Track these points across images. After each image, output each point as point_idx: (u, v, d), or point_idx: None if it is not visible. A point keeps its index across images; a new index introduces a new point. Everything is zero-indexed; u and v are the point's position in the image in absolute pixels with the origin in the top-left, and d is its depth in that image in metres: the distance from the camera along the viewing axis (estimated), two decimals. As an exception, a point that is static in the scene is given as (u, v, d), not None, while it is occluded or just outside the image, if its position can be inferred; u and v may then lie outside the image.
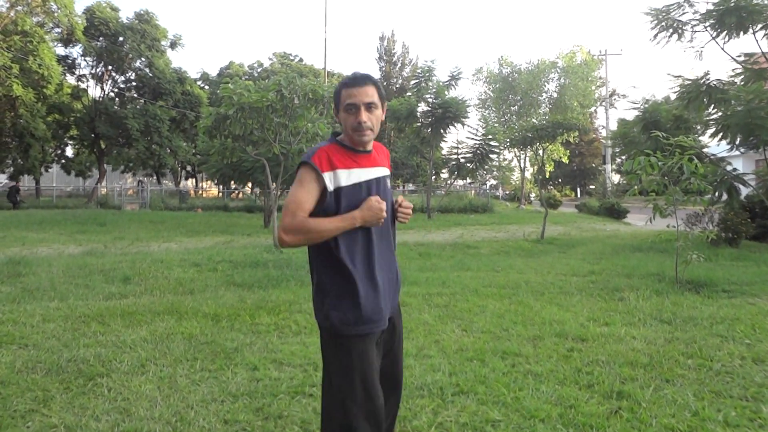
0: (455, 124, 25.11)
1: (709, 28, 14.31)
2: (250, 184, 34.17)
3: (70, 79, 38.29)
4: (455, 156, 27.91)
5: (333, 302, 2.48)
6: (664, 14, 14.67)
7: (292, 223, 2.41)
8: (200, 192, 52.29)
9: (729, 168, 15.33)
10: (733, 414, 3.67)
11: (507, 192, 53.99)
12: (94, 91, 38.53)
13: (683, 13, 14.63)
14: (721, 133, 14.19)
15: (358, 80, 2.53)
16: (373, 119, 2.53)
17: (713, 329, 5.76)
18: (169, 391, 4.11)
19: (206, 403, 3.90)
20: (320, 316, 2.53)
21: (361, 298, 2.46)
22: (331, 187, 2.45)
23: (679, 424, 3.52)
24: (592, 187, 61.34)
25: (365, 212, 2.45)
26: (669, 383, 4.24)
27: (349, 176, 2.50)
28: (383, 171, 2.67)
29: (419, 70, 28.20)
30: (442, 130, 25.28)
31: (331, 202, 2.46)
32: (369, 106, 2.51)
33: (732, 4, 13.18)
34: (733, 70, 14.77)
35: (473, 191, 43.22)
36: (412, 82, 28.38)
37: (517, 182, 46.77)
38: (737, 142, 14.11)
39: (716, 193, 14.71)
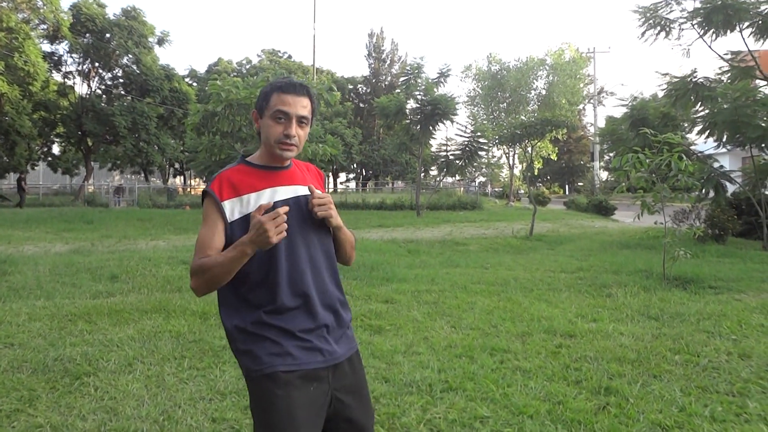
0: (444, 121, 25.15)
1: (696, 26, 14.38)
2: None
3: (57, 76, 38.12)
4: (444, 153, 27.96)
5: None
6: (651, 12, 14.73)
7: (192, 267, 2.07)
8: (188, 189, 52.11)
9: (716, 165, 15.44)
10: (720, 409, 3.70)
11: (495, 189, 54.13)
12: (81, 88, 38.47)
13: (671, 11, 14.72)
14: (708, 131, 14.31)
15: (296, 88, 2.18)
16: (301, 135, 2.18)
17: (700, 325, 5.80)
18: (156, 389, 4.09)
19: (194, 402, 3.88)
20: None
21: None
22: (230, 217, 2.09)
23: (667, 420, 3.53)
24: (580, 184, 61.76)
25: (251, 233, 1.95)
26: (656, 379, 4.26)
27: (261, 199, 2.12)
28: (303, 190, 2.21)
29: (408, 67, 28.20)
30: (431, 127, 25.31)
31: (234, 235, 2.07)
32: (301, 120, 2.17)
33: (719, 3, 13.25)
34: (720, 68, 14.88)
35: (462, 188, 43.28)
36: (401, 79, 28.39)
37: (506, 179, 46.85)
38: (724, 140, 14.21)
39: (703, 190, 14.81)
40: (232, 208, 2.10)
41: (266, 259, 2.08)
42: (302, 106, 2.17)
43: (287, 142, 2.14)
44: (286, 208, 1.98)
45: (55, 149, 41.42)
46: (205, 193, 2.15)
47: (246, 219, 2.06)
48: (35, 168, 41.92)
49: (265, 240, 1.93)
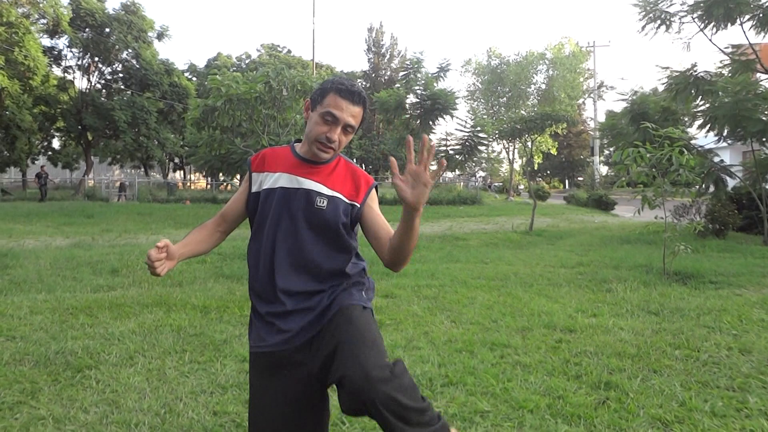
0: (444, 116, 25.09)
1: (696, 20, 14.36)
2: (238, 176, 34.04)
3: (57, 71, 37.98)
4: (444, 148, 27.92)
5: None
6: (652, 5, 14.72)
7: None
8: (188, 184, 52.07)
9: (716, 160, 15.44)
10: (720, 404, 3.70)
11: (495, 184, 54.10)
12: (81, 83, 38.28)
13: (671, 5, 14.71)
14: (709, 125, 14.30)
15: (354, 95, 2.21)
16: (342, 141, 2.24)
17: (700, 320, 5.80)
18: (157, 383, 4.10)
19: (195, 395, 3.88)
20: None
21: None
22: (254, 188, 2.31)
23: (667, 414, 3.54)
24: (580, 178, 61.69)
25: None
26: (656, 374, 4.27)
27: (271, 180, 2.28)
28: (318, 187, 2.26)
29: (408, 62, 28.18)
30: (431, 122, 25.26)
31: (251, 206, 2.32)
32: (347, 128, 2.23)
33: (720, -4, 13.23)
34: (720, 61, 14.88)
35: (461, 183, 43.26)
36: (401, 73, 28.36)
37: (506, 174, 46.83)
38: (724, 134, 14.20)
39: (704, 185, 14.82)
40: (256, 180, 2.31)
41: (258, 242, 2.30)
42: (353, 114, 2.21)
43: (326, 144, 2.20)
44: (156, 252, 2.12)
45: (56, 143, 41.39)
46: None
47: (258, 194, 2.29)
48: (35, 162, 41.90)
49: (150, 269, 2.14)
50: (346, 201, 2.29)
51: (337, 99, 2.19)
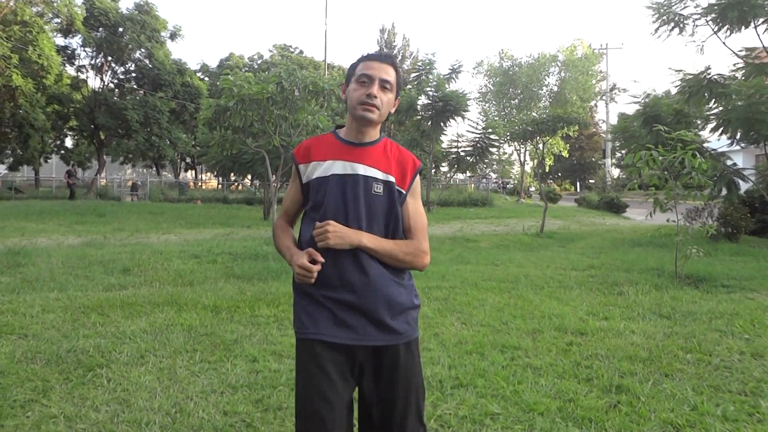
0: (455, 118, 25.05)
1: (710, 23, 14.27)
2: (249, 176, 34.15)
3: (70, 70, 38.21)
4: (455, 149, 27.88)
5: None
6: (665, 8, 14.64)
7: (273, 225, 2.45)
8: (200, 184, 52.24)
9: (729, 163, 15.34)
10: (732, 408, 3.68)
11: (503, 182, 53.99)
12: (94, 82, 38.47)
13: (685, 7, 14.61)
14: (722, 128, 14.19)
15: (381, 57, 2.27)
16: (383, 100, 2.22)
17: (712, 324, 5.77)
18: (168, 382, 4.11)
19: (206, 395, 3.90)
20: None
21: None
22: (304, 179, 2.30)
23: (678, 419, 3.52)
24: (591, 181, 61.39)
25: (293, 265, 2.18)
26: (668, 377, 4.25)
27: (321, 169, 2.26)
28: (372, 172, 2.24)
29: (420, 63, 28.14)
30: (442, 123, 25.23)
31: (305, 196, 2.34)
32: (384, 84, 2.22)
33: (734, -1, 13.15)
34: (734, 64, 14.74)
35: (472, 185, 43.20)
36: (413, 75, 28.27)
37: (517, 176, 46.75)
38: (738, 137, 14.11)
39: (716, 188, 14.72)
40: (304, 172, 2.30)
41: (306, 231, 2.26)
42: (386, 72, 2.24)
43: (368, 102, 2.19)
44: (318, 267, 2.13)
45: (68, 142, 41.62)
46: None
47: (308, 185, 2.29)
48: (48, 161, 42.16)
49: (298, 276, 2.15)
50: (397, 186, 2.28)
51: (367, 62, 2.25)
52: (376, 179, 2.23)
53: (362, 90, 2.20)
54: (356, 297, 2.17)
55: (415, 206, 2.33)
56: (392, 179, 2.26)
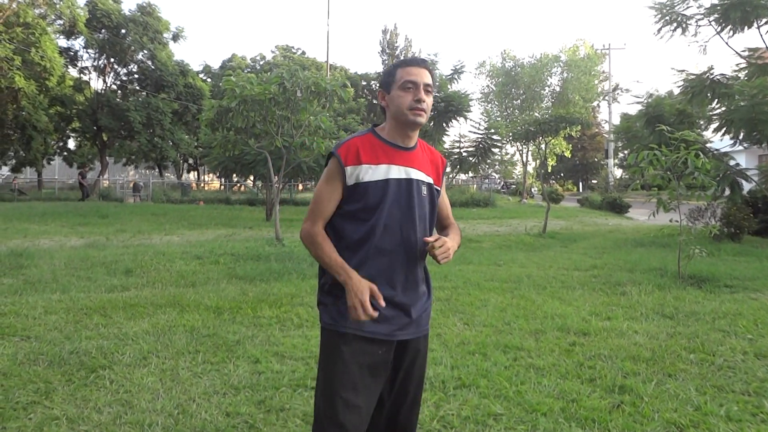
0: (458, 118, 24.99)
1: (713, 23, 14.27)
2: (252, 177, 34.13)
3: (72, 72, 38.19)
4: (457, 150, 27.84)
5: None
6: (668, 8, 14.65)
7: (310, 231, 2.31)
8: (202, 185, 52.26)
9: (732, 163, 15.31)
10: (736, 409, 3.67)
11: (507, 182, 53.93)
12: (97, 84, 38.48)
13: (687, 8, 14.62)
14: (725, 128, 14.18)
15: (418, 61, 2.34)
16: (429, 103, 2.31)
17: (715, 324, 5.76)
18: (171, 383, 4.11)
19: (208, 396, 3.90)
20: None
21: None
22: (350, 181, 2.27)
23: (681, 419, 3.51)
24: (594, 181, 61.33)
25: (350, 292, 2.18)
26: (671, 378, 4.24)
27: (374, 172, 2.28)
28: (420, 175, 2.37)
29: (422, 64, 28.06)
30: (444, 124, 25.15)
31: (349, 197, 2.29)
32: (427, 88, 2.31)
33: (737, -1, 13.14)
34: (737, 64, 14.75)
35: (474, 185, 43.18)
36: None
37: (519, 177, 46.71)
38: (741, 137, 14.10)
39: (719, 188, 14.69)
40: (352, 174, 2.28)
41: (364, 232, 2.28)
42: (426, 76, 2.32)
43: (418, 107, 2.28)
44: (376, 314, 2.18)
45: (71, 144, 41.60)
46: (331, 154, 2.33)
47: (357, 186, 2.27)
48: (51, 162, 42.16)
49: (353, 311, 2.16)
50: (435, 186, 2.45)
51: (407, 68, 2.32)
52: (423, 182, 2.38)
53: (409, 96, 2.28)
54: (396, 293, 2.29)
55: (443, 195, 2.56)
56: (432, 181, 2.43)
